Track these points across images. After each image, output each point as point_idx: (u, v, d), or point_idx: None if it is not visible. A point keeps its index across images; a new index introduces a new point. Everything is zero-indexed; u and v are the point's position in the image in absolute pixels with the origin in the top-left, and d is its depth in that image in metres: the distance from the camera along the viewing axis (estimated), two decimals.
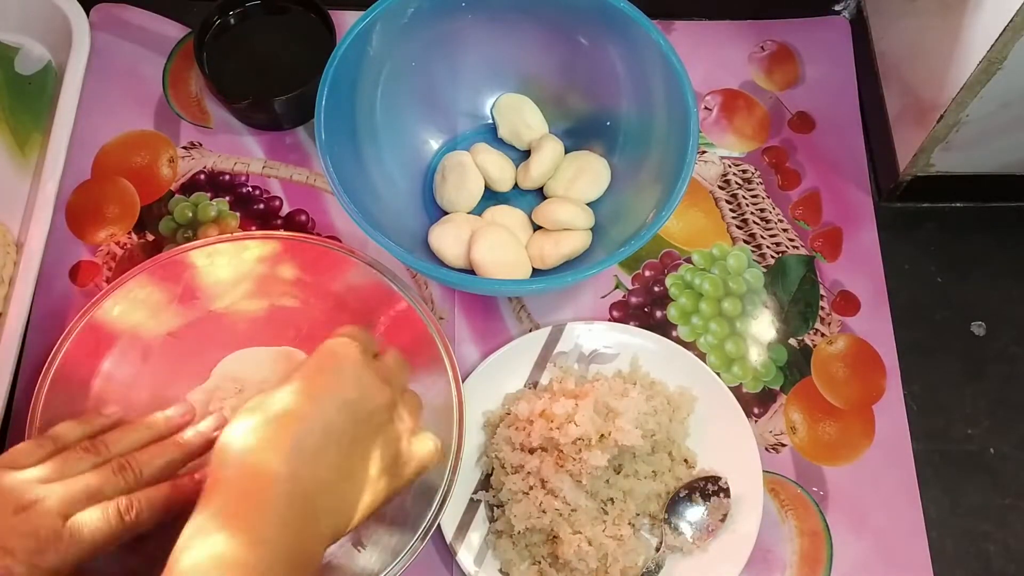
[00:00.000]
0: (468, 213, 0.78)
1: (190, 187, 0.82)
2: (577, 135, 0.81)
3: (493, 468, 0.71)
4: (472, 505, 0.70)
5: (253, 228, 0.80)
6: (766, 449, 0.74)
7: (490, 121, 0.82)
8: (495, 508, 0.70)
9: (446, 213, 0.79)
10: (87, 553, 0.55)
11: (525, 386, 0.74)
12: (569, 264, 0.76)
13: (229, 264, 0.72)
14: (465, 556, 0.69)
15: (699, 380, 0.74)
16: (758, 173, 0.84)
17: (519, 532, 0.67)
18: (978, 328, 0.79)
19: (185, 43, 0.87)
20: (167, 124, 0.84)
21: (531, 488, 0.68)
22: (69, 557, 0.54)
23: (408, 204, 0.79)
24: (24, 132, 0.83)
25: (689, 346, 0.77)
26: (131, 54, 0.86)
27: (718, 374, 0.75)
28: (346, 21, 0.84)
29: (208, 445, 0.62)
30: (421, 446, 0.59)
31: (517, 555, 0.68)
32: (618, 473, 0.70)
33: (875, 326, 0.78)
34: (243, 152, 0.83)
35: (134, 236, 0.80)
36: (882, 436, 0.75)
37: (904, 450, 0.75)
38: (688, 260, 0.80)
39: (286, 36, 0.84)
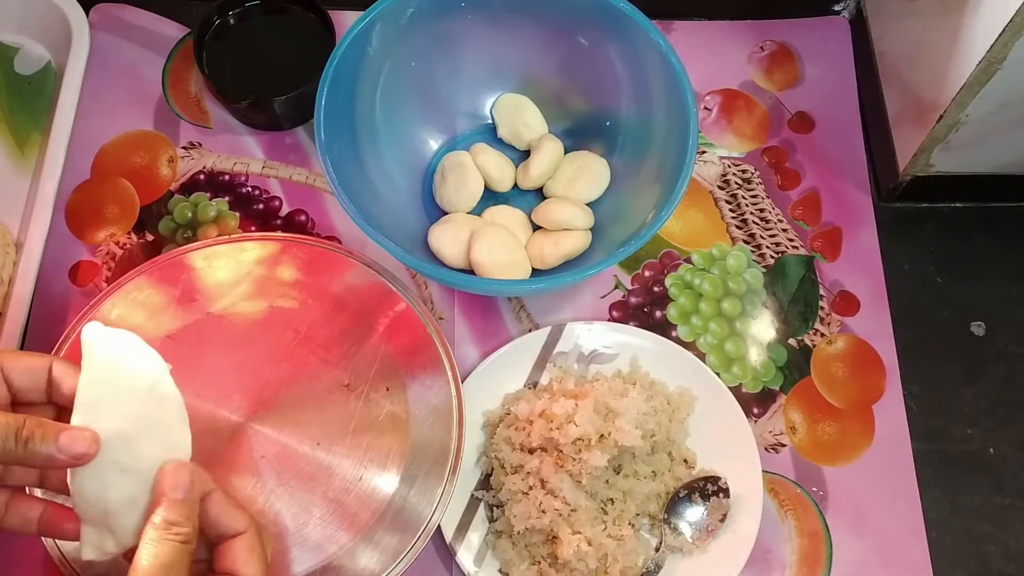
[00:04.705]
0: (468, 213, 0.78)
1: (190, 187, 0.82)
2: (577, 135, 0.81)
3: (493, 468, 0.71)
4: (472, 505, 0.70)
5: (253, 228, 0.80)
6: (766, 449, 0.74)
7: (490, 121, 0.82)
8: (495, 508, 0.70)
9: (446, 213, 0.79)
10: None
11: (525, 386, 0.74)
12: (569, 264, 0.76)
13: (227, 266, 0.72)
14: (465, 556, 0.69)
15: (699, 380, 0.74)
16: (758, 173, 0.84)
17: (519, 532, 0.67)
18: (978, 328, 0.79)
19: (185, 43, 0.87)
20: (167, 124, 0.84)
21: (531, 488, 0.68)
22: None
23: (408, 204, 0.79)
24: (24, 132, 0.83)
25: (689, 346, 0.77)
26: (131, 54, 0.86)
27: (718, 374, 0.75)
28: (346, 21, 0.84)
29: None
30: None
31: (517, 555, 0.68)
32: (618, 473, 0.70)
33: (875, 326, 0.78)
34: (243, 152, 0.83)
35: (134, 236, 0.80)
36: (882, 436, 0.75)
37: (904, 450, 0.75)
38: (688, 260, 0.80)
39: (286, 36, 0.84)
